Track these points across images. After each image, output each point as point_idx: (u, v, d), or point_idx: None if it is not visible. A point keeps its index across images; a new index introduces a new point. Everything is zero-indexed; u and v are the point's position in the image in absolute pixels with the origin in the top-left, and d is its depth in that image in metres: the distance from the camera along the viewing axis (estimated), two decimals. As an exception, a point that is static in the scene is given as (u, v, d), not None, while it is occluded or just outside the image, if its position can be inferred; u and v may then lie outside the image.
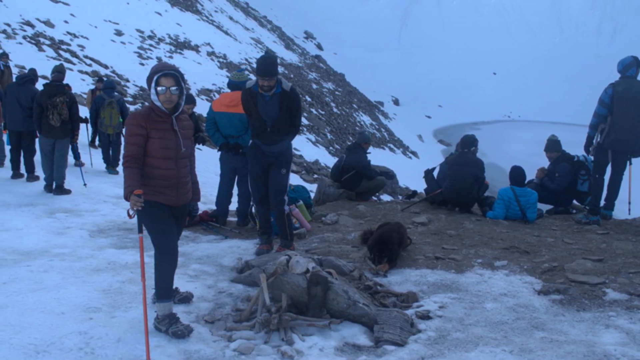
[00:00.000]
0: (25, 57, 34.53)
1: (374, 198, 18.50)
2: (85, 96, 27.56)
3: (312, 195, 16.79)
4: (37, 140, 15.73)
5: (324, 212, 14.64)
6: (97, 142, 21.51)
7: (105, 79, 23.15)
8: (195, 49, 66.38)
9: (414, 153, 72.22)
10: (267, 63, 9.76)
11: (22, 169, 16.22)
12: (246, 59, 74.24)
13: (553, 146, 15.07)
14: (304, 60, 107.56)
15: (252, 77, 12.20)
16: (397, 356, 6.67)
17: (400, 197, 22.53)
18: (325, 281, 7.58)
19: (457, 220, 13.39)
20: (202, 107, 29.77)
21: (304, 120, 52.31)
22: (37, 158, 15.84)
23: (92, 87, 26.25)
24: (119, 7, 65.06)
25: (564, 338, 6.97)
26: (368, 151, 16.71)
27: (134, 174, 6.73)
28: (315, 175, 32.94)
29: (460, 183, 14.05)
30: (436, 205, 15.08)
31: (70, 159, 16.47)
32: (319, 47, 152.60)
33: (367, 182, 16.47)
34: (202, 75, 53.20)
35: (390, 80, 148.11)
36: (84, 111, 20.40)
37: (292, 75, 77.06)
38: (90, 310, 7.55)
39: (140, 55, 53.19)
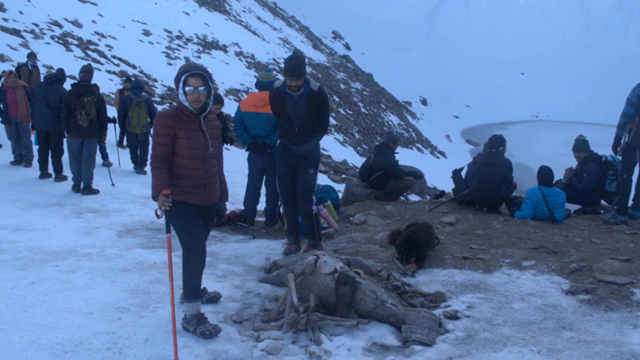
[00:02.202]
0: (53, 57, 34.79)
1: (402, 198, 18.47)
2: (113, 96, 27.68)
3: (340, 195, 16.78)
4: (65, 140, 15.76)
5: (351, 212, 14.62)
6: (125, 142, 21.61)
7: (133, 79, 23.24)
8: (223, 49, 66.57)
9: (441, 153, 72.17)
10: (295, 63, 9.73)
11: (50, 169, 16.26)
12: (274, 59, 74.41)
13: (581, 146, 14.96)
14: (331, 60, 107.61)
15: (280, 77, 12.19)
16: (425, 356, 6.65)
17: (428, 197, 22.47)
18: (353, 281, 7.56)
19: (485, 220, 13.34)
20: (230, 107, 29.83)
21: (332, 120, 52.36)
22: (65, 158, 15.90)
23: (120, 87, 26.41)
24: (147, 7, 65.38)
25: (592, 338, 6.95)
26: (396, 151, 16.63)
27: (162, 174, 6.72)
28: (343, 175, 32.95)
29: (488, 183, 14.00)
30: (464, 205, 15.02)
31: (98, 159, 16.52)
32: (347, 47, 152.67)
33: (395, 182, 16.40)
34: (230, 75, 53.34)
35: (418, 80, 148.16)
36: (112, 111, 20.50)
37: (320, 75, 77.16)
38: (118, 310, 7.57)
39: (168, 55, 53.42)
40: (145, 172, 18.87)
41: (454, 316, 7.77)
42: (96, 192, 15.05)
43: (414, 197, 23.04)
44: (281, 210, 12.51)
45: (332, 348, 6.78)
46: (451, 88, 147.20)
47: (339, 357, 6.62)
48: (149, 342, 6.72)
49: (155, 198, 6.51)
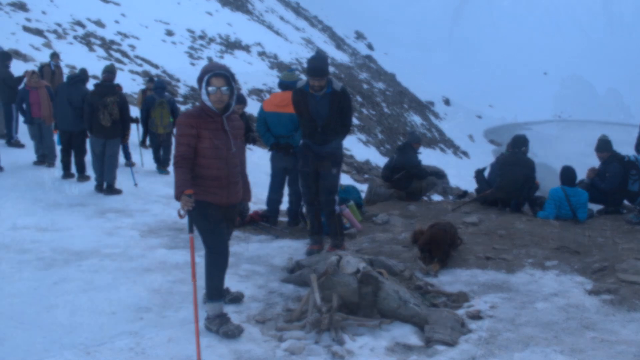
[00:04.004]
0: (76, 57, 34.84)
1: (425, 198, 18.42)
2: (136, 96, 27.73)
3: (363, 195, 16.75)
4: (87, 140, 15.79)
5: (374, 212, 14.58)
6: (147, 142, 21.61)
7: (156, 79, 23.30)
8: (246, 49, 66.53)
9: (464, 153, 71.87)
10: (318, 63, 9.74)
11: (73, 169, 16.29)
12: (297, 59, 74.28)
13: (604, 146, 14.89)
14: (354, 60, 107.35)
15: (303, 77, 12.19)
16: (448, 356, 6.65)
17: (450, 197, 22.45)
18: (376, 281, 7.56)
19: (507, 220, 13.29)
20: (252, 107, 29.84)
21: (355, 120, 52.22)
22: (88, 158, 15.92)
23: (143, 87, 26.41)
24: (170, 7, 65.43)
25: (615, 338, 6.95)
26: (419, 151, 16.61)
27: (184, 174, 6.74)
28: (366, 175, 32.85)
29: (511, 183, 13.96)
30: (487, 205, 14.97)
31: (121, 159, 16.54)
32: (370, 47, 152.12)
33: (418, 182, 16.36)
34: (253, 75, 53.28)
35: (441, 80, 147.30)
36: (134, 111, 20.53)
37: (342, 75, 76.85)
38: (141, 310, 7.59)
39: (191, 55, 53.43)
40: (168, 172, 18.85)
41: (476, 316, 7.76)
42: (119, 192, 15.07)
43: (436, 197, 23.00)
44: (304, 210, 12.51)
45: (355, 348, 6.78)
46: (474, 88, 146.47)
47: (361, 357, 6.63)
48: (172, 342, 6.74)
49: (178, 198, 6.54)
